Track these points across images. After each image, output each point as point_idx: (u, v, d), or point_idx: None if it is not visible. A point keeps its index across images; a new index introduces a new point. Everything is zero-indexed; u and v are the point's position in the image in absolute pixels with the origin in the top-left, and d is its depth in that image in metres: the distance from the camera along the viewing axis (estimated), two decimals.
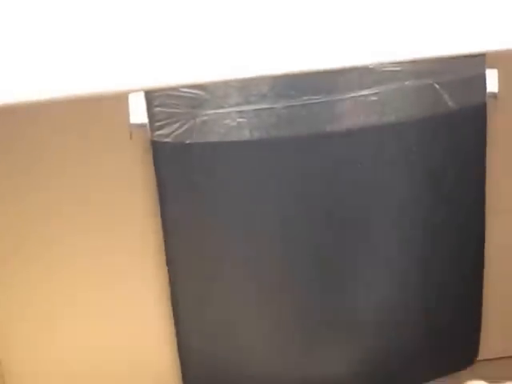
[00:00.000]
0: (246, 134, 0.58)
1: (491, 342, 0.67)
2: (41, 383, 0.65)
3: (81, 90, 0.38)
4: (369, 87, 0.57)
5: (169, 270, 0.62)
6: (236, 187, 0.59)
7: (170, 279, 0.62)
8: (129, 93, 0.53)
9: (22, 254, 0.62)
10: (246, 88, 0.57)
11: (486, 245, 0.64)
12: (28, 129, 0.58)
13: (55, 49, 0.37)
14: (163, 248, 0.61)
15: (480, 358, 0.67)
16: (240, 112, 0.58)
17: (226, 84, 0.57)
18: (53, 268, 0.62)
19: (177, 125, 0.58)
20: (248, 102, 0.57)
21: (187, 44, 0.38)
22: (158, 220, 0.61)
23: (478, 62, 0.58)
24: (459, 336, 0.66)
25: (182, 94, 0.57)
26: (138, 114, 0.59)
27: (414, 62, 0.57)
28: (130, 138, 0.60)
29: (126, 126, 0.59)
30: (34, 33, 0.37)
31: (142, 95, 0.58)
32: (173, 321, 0.63)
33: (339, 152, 0.59)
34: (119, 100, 0.58)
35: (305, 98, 0.57)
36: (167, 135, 0.58)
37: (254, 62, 0.38)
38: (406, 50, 0.41)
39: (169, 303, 0.63)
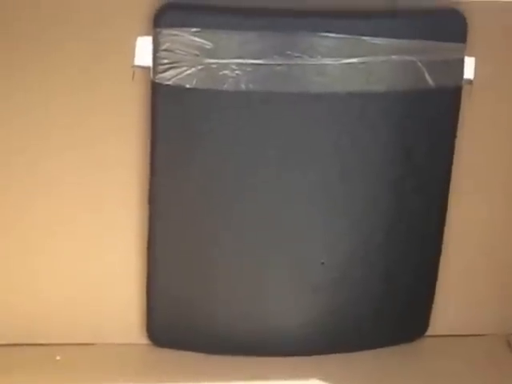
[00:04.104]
0: (241, 86, 0.63)
1: (443, 318, 0.71)
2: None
3: None
4: (358, 56, 0.63)
5: (150, 208, 0.66)
6: (226, 133, 0.64)
7: (150, 217, 0.66)
8: None
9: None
10: (248, 43, 0.62)
11: (448, 220, 0.68)
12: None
13: None
14: (147, 186, 0.66)
15: (430, 333, 0.71)
16: (239, 64, 0.62)
17: (230, 37, 0.62)
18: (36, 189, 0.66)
19: (179, 70, 0.62)
20: (247, 57, 0.62)
21: None
22: (147, 159, 0.65)
23: (458, 48, 0.64)
24: (412, 306, 0.70)
25: (189, 41, 0.62)
26: (144, 56, 0.64)
27: (400, 39, 0.63)
28: (133, 78, 0.64)
29: (130, 66, 0.63)
30: None
31: (149, 39, 0.63)
32: (147, 260, 0.67)
33: (323, 112, 0.64)
34: (126, 41, 0.63)
35: (299, 58, 0.62)
36: (168, 79, 0.63)
37: None
38: None
39: (145, 241, 0.67)
